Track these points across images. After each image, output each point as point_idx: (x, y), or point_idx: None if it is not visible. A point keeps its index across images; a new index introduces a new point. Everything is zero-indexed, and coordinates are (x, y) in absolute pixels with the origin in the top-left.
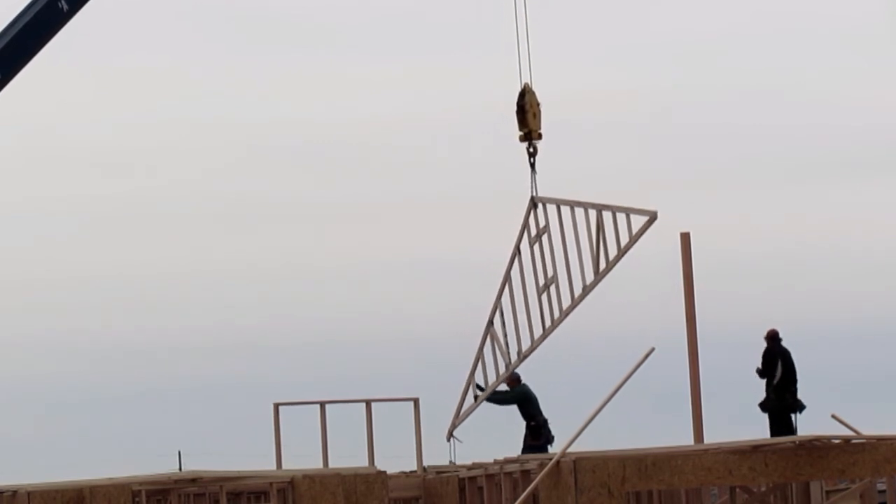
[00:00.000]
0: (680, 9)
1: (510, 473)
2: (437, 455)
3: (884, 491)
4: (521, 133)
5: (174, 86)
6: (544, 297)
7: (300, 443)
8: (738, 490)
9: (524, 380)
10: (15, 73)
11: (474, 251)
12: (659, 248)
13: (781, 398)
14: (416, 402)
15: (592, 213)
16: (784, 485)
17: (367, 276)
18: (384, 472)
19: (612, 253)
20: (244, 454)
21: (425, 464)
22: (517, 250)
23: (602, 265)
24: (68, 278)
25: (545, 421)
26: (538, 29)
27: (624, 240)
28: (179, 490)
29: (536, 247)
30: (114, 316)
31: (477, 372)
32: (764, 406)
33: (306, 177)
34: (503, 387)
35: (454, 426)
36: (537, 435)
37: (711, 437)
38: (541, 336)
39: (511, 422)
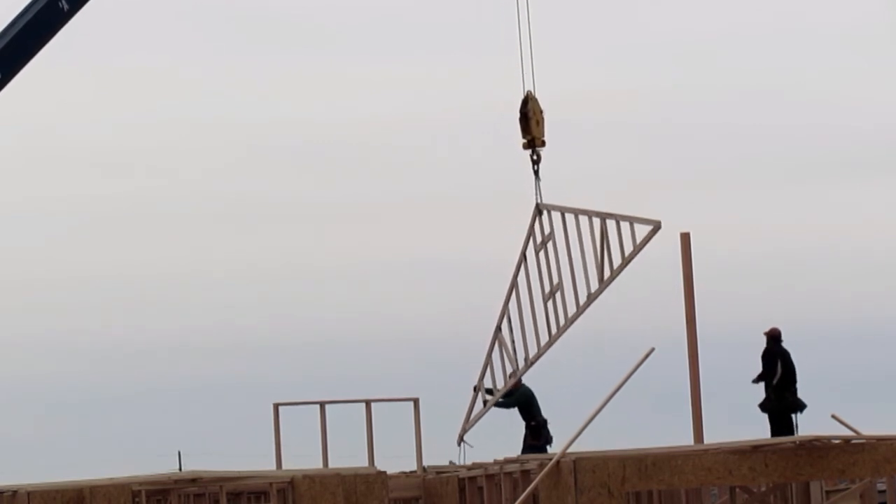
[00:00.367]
0: (680, 9)
1: (510, 473)
2: (437, 455)
3: (884, 491)
4: (524, 140)
5: (174, 86)
6: (550, 303)
7: (300, 443)
8: (738, 490)
9: (524, 380)
10: (15, 73)
11: (474, 251)
12: (659, 248)
13: (781, 398)
14: (416, 402)
15: (597, 222)
16: (784, 485)
17: (367, 276)
18: (384, 473)
19: (617, 261)
20: (244, 454)
21: (425, 464)
22: (523, 257)
23: (606, 273)
24: (68, 278)
25: (545, 421)
26: (538, 29)
27: (628, 248)
28: (179, 490)
29: (542, 254)
30: (114, 316)
31: (485, 377)
32: (764, 406)
33: (306, 177)
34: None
35: (464, 431)
36: (537, 435)
37: (711, 437)
38: (547, 343)
39: (511, 422)
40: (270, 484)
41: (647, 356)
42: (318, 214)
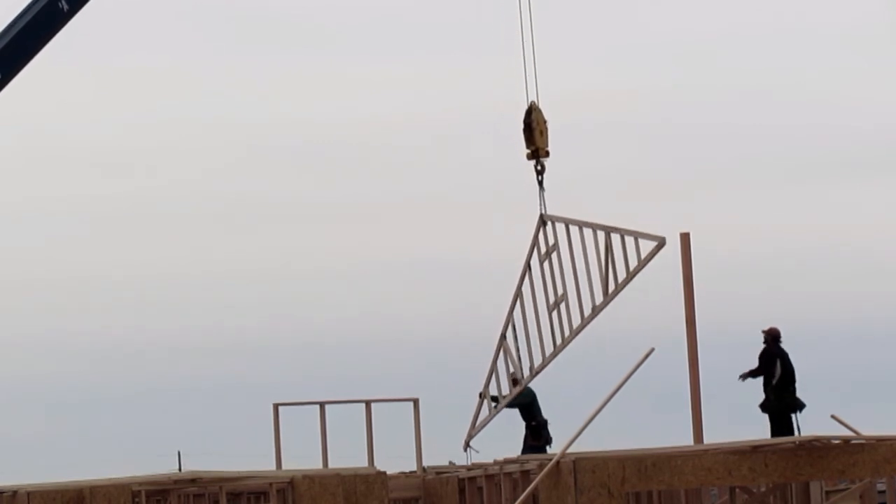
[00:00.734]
0: (680, 9)
1: (510, 474)
2: (437, 455)
3: (884, 491)
4: (528, 151)
5: (174, 86)
6: (554, 314)
7: (300, 443)
8: (738, 490)
9: None
10: (15, 74)
11: (474, 251)
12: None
13: (781, 398)
14: (415, 402)
15: (601, 235)
16: (784, 485)
17: (367, 276)
18: (384, 473)
19: (621, 275)
20: (244, 454)
21: (425, 464)
22: (528, 266)
23: (611, 287)
24: (68, 278)
25: (546, 422)
26: (538, 29)
27: (632, 263)
28: (179, 490)
29: (546, 264)
30: (114, 316)
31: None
32: (764, 407)
33: (306, 177)
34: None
35: (470, 436)
36: (538, 435)
37: (711, 438)
38: (552, 353)
39: (511, 422)
40: (270, 484)
41: (647, 356)
42: (318, 214)
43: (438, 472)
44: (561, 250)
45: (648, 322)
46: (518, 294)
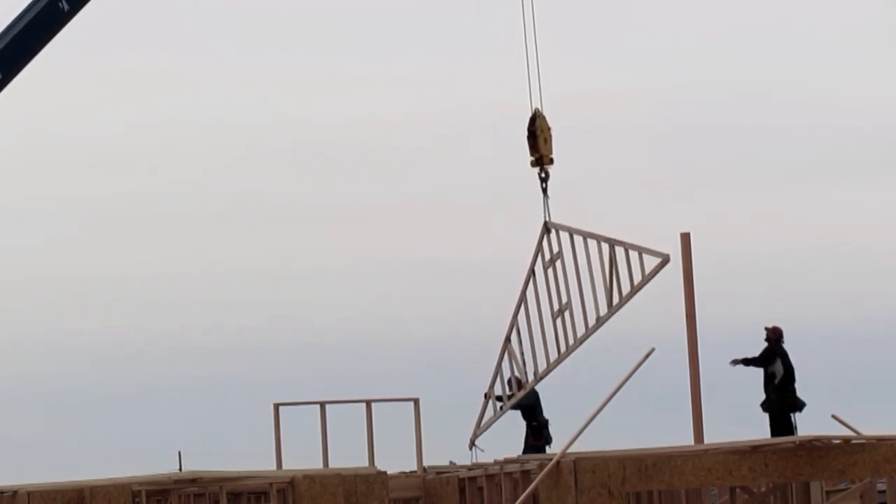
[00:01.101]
0: (680, 9)
1: (510, 474)
2: (438, 455)
3: (884, 491)
4: (532, 158)
5: (175, 85)
6: (559, 321)
7: (300, 443)
8: (738, 490)
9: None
10: (15, 73)
11: (474, 251)
12: (659, 248)
13: (782, 398)
14: (416, 402)
15: (605, 247)
16: (784, 485)
17: (367, 276)
18: (384, 473)
19: (626, 289)
20: (244, 454)
21: (425, 464)
22: (532, 273)
23: (615, 299)
24: (68, 278)
25: (547, 422)
26: (538, 29)
27: (636, 278)
28: (179, 490)
29: (550, 271)
30: (114, 316)
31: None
32: (765, 406)
33: (306, 177)
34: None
35: (476, 436)
36: (539, 435)
37: (711, 437)
38: (556, 360)
39: (512, 422)
40: (270, 484)
41: (647, 356)
42: (318, 214)
43: (439, 471)
44: (565, 259)
45: (648, 322)
46: (522, 299)
